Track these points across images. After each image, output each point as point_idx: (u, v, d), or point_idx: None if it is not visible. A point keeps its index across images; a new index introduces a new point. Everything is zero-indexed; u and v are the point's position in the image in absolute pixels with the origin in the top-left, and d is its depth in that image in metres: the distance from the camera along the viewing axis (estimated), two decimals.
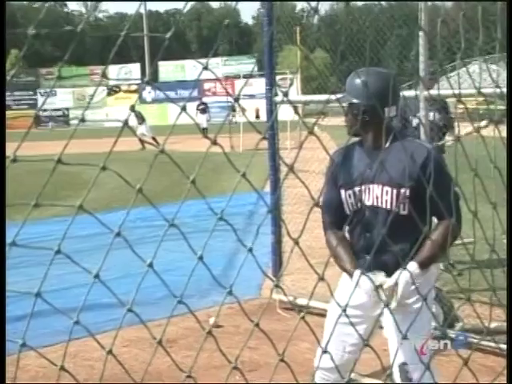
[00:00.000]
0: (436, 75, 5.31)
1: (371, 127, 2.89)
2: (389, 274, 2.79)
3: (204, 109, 29.40)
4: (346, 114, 2.98)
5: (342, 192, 3.00)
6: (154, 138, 23.86)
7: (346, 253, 2.97)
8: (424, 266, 2.76)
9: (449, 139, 5.62)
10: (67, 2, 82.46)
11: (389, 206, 2.90)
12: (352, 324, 1.98)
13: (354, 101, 2.92)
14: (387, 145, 2.81)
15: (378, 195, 2.92)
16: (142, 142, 22.96)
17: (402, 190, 2.84)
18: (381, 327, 3.15)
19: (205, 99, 34.28)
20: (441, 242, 2.73)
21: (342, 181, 3.00)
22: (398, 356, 2.79)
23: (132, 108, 1.33)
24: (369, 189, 2.93)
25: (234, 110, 24.02)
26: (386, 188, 2.91)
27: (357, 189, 2.97)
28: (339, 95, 2.94)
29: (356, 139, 3.07)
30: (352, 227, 3.01)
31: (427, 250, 2.75)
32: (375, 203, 2.93)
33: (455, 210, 2.65)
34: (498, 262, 1.89)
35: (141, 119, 25.02)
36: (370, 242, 2.89)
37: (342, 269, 3.00)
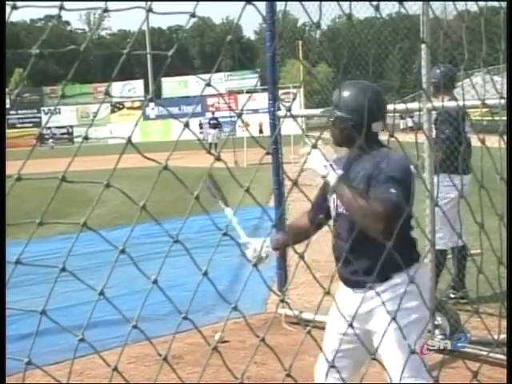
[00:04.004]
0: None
1: (354, 141, 2.86)
2: (359, 281, 2.77)
3: (215, 124, 28.98)
4: (332, 126, 2.97)
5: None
6: None
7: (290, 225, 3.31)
8: (339, 185, 2.65)
9: None
10: (70, 21, 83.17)
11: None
12: (360, 341, 1.96)
13: (339, 114, 2.91)
14: (364, 156, 2.83)
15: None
16: None
17: None
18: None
19: (209, 114, 34.35)
20: (367, 206, 2.63)
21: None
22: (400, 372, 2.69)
23: None
24: (334, 198, 2.97)
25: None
26: None
27: (331, 197, 3.01)
28: (323, 109, 2.93)
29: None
30: (333, 237, 3.01)
31: (357, 194, 2.67)
32: (339, 210, 2.95)
33: (387, 208, 2.59)
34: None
35: None
36: (342, 251, 2.92)
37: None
